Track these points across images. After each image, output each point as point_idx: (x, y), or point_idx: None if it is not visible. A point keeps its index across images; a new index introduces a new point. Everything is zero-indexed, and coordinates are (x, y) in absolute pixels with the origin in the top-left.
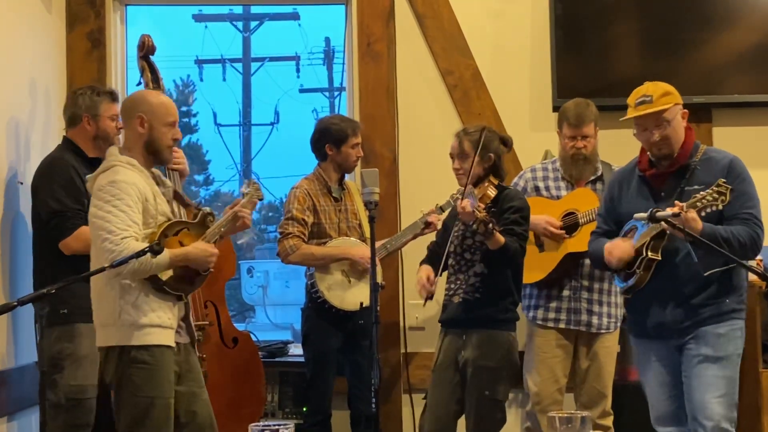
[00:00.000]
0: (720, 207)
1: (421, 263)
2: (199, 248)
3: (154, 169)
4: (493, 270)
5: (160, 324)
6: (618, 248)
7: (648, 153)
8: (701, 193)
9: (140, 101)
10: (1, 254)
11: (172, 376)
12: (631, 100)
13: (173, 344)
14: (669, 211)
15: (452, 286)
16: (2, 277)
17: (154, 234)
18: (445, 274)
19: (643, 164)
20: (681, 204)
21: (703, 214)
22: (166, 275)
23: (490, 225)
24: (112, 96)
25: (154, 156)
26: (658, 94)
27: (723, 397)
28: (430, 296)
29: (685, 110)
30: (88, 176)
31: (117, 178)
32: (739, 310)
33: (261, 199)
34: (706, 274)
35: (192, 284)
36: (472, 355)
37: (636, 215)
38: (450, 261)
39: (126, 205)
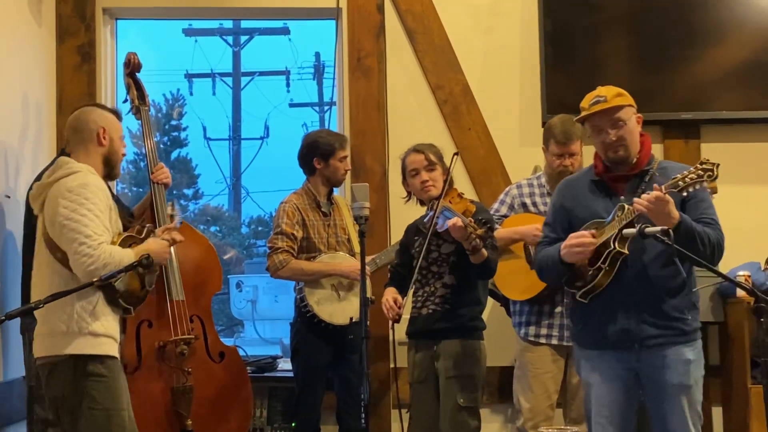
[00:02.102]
0: (707, 185)
1: (386, 285)
2: (156, 242)
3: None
4: (463, 280)
5: (111, 335)
6: (579, 236)
7: (602, 158)
8: (682, 173)
9: (99, 115)
10: None
11: (126, 387)
12: (584, 104)
13: (118, 356)
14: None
15: (419, 298)
16: None
17: (113, 243)
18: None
19: (599, 169)
20: (659, 187)
21: (685, 194)
22: (123, 288)
23: (488, 240)
24: (117, 116)
25: (110, 170)
26: (611, 95)
27: (694, 422)
28: (397, 318)
29: (640, 115)
30: (36, 184)
31: (88, 181)
32: (699, 328)
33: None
34: (694, 290)
35: (138, 300)
36: (444, 365)
37: (625, 231)
38: (415, 275)
39: (99, 210)
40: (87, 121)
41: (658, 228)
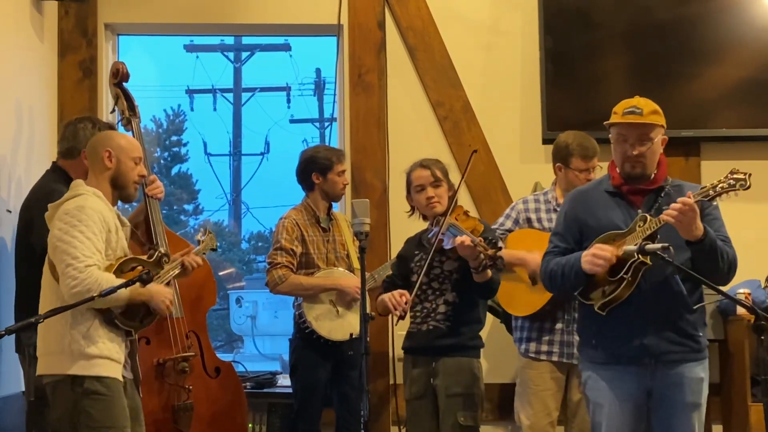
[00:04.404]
0: (737, 194)
1: (378, 297)
2: (161, 291)
3: (114, 208)
4: (464, 298)
5: (109, 356)
6: (601, 248)
7: (618, 170)
8: (713, 182)
9: (107, 138)
10: None
11: (126, 408)
12: (618, 108)
13: (121, 378)
14: (659, 245)
15: (418, 314)
16: None
17: (111, 266)
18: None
19: (617, 180)
20: (690, 193)
21: (715, 202)
22: (119, 308)
23: (500, 261)
24: (112, 130)
25: (119, 192)
26: (648, 110)
27: None
28: (403, 315)
29: (666, 137)
30: (50, 205)
31: (85, 204)
32: (706, 346)
33: (215, 249)
34: (695, 307)
35: (141, 323)
36: (443, 382)
37: (626, 248)
38: (415, 290)
39: (92, 233)
40: (95, 144)
41: (658, 245)
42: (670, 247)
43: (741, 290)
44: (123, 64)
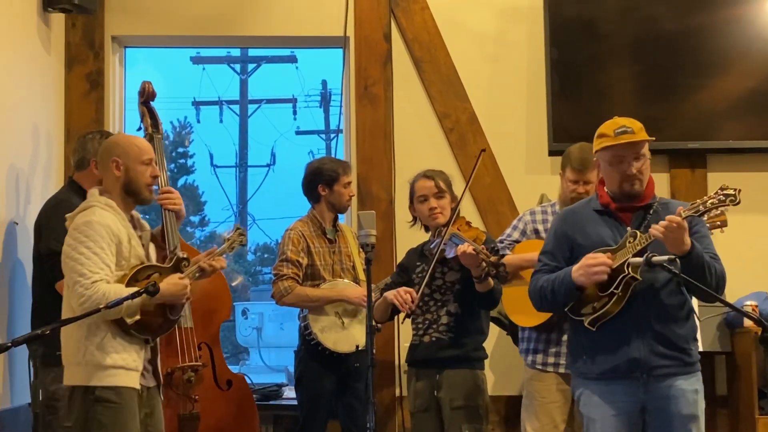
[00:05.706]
0: (727, 209)
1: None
2: (170, 282)
3: (133, 212)
4: (467, 309)
5: (123, 366)
6: (597, 257)
7: (614, 189)
8: (702, 198)
9: (112, 145)
10: None
11: (137, 417)
12: (607, 130)
13: (138, 386)
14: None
15: (420, 325)
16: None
17: (125, 276)
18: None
19: (605, 198)
20: (681, 209)
21: (705, 218)
22: (132, 319)
23: (502, 268)
24: (120, 133)
25: (133, 197)
26: (637, 128)
27: None
28: (410, 313)
29: (649, 151)
30: (67, 215)
31: (92, 218)
32: (698, 359)
33: (244, 245)
34: (702, 319)
35: (159, 329)
36: (448, 395)
37: (631, 260)
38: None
39: (99, 247)
40: (102, 153)
41: (665, 257)
42: (677, 260)
43: (748, 302)
44: (149, 83)
